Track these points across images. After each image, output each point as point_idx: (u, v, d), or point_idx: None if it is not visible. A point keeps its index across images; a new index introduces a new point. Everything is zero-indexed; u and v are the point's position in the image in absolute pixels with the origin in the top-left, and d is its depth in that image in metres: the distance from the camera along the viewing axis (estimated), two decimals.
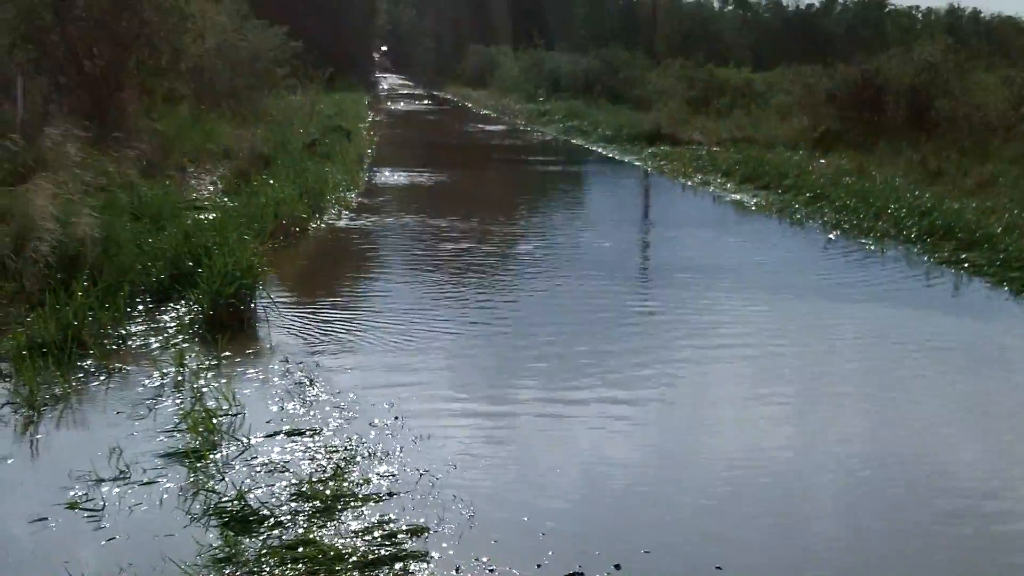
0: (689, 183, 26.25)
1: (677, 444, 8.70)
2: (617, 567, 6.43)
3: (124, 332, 10.67)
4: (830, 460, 8.39)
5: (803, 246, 18.06)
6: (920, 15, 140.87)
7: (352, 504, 7.11)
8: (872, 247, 17.58)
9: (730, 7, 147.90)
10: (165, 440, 8.07)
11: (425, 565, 6.36)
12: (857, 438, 8.93)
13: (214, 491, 7.19)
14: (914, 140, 27.11)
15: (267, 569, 6.21)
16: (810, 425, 9.24)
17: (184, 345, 10.43)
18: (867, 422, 9.37)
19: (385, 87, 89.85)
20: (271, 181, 19.35)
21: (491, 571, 6.32)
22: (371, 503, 7.14)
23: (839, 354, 11.59)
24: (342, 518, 6.90)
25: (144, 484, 7.31)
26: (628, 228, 20.23)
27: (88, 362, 9.75)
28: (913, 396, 10.13)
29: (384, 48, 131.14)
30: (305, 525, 6.76)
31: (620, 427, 8.89)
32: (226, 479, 7.39)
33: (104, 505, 6.98)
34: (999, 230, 17.06)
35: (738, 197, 23.40)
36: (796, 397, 9.96)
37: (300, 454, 7.94)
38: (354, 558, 6.38)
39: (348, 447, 8.10)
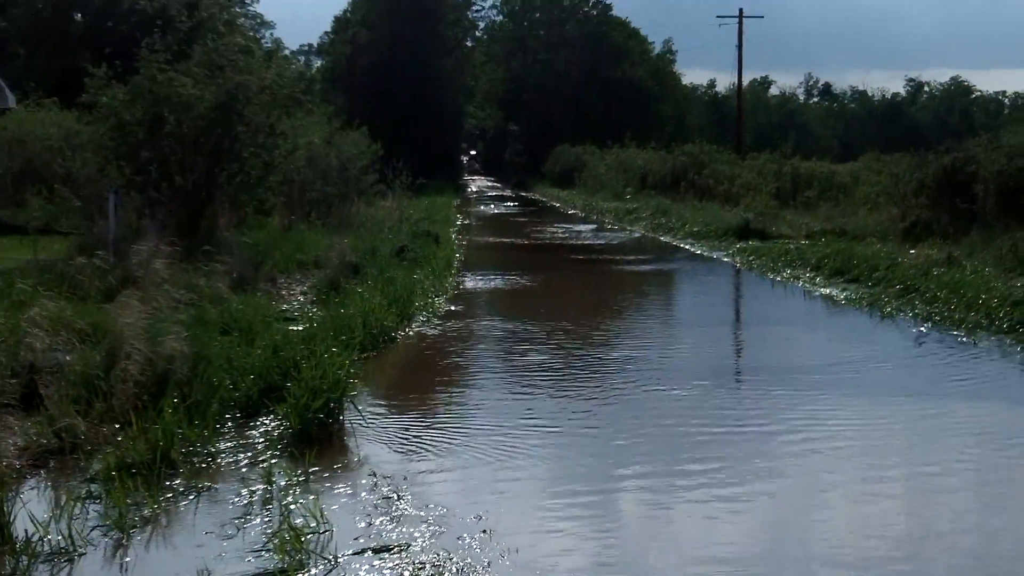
0: (778, 278, 26.10)
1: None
2: None
3: (213, 449, 10.70)
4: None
5: (895, 341, 17.80)
6: (1007, 101, 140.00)
7: None
8: (964, 339, 17.30)
9: (816, 99, 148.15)
10: (253, 561, 8.05)
11: None
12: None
13: None
14: (1005, 228, 26.69)
15: None
16: (920, 530, 9.06)
17: (273, 461, 10.44)
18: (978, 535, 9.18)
19: (474, 189, 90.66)
20: (360, 290, 19.48)
21: None
22: None
23: (936, 457, 11.36)
24: None
25: None
26: (719, 329, 20.08)
27: (177, 481, 9.78)
28: (1013, 495, 9.94)
29: (472, 152, 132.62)
30: None
31: (720, 550, 8.68)
32: None
33: None
34: None
35: (828, 291, 23.21)
36: (901, 503, 9.79)
37: (388, 571, 7.88)
38: None
39: (436, 563, 8.04)
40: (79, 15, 55.47)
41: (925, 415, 12.90)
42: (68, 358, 12.25)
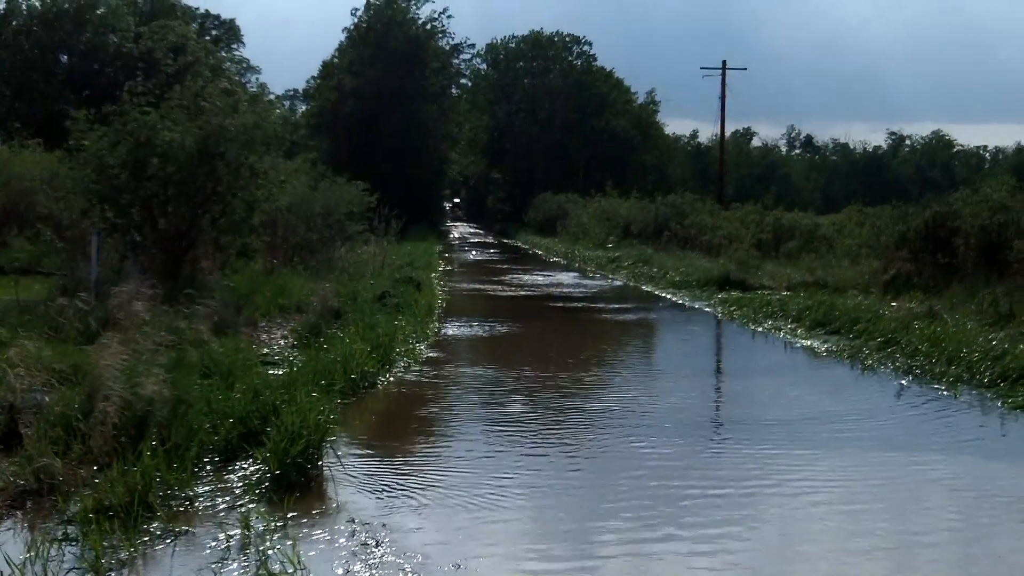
0: (759, 329, 26.14)
1: None
2: None
3: (191, 493, 10.66)
4: None
5: (876, 394, 17.80)
6: (988, 155, 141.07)
7: None
8: (945, 392, 17.33)
9: (797, 151, 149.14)
10: None
11: None
12: None
13: None
14: (986, 282, 26.81)
15: None
16: None
17: (251, 506, 10.40)
18: None
19: (456, 236, 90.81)
20: (341, 335, 19.46)
21: None
22: None
23: (917, 514, 11.36)
24: None
25: None
26: (700, 381, 20.00)
27: (154, 524, 9.73)
28: (993, 554, 9.94)
29: (456, 200, 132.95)
30: None
31: None
32: None
33: None
34: None
35: (808, 343, 23.24)
36: (883, 562, 9.78)
37: None
38: None
39: None
40: (65, 57, 55.68)
41: (907, 470, 12.85)
42: (47, 399, 12.22)
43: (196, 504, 10.49)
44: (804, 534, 10.45)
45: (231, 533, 9.57)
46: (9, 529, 9.64)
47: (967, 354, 18.88)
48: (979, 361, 18.38)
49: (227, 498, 10.71)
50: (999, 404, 16.40)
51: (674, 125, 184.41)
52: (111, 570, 8.65)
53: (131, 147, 22.14)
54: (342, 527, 10.01)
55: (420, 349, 21.30)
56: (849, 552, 9.81)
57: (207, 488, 10.98)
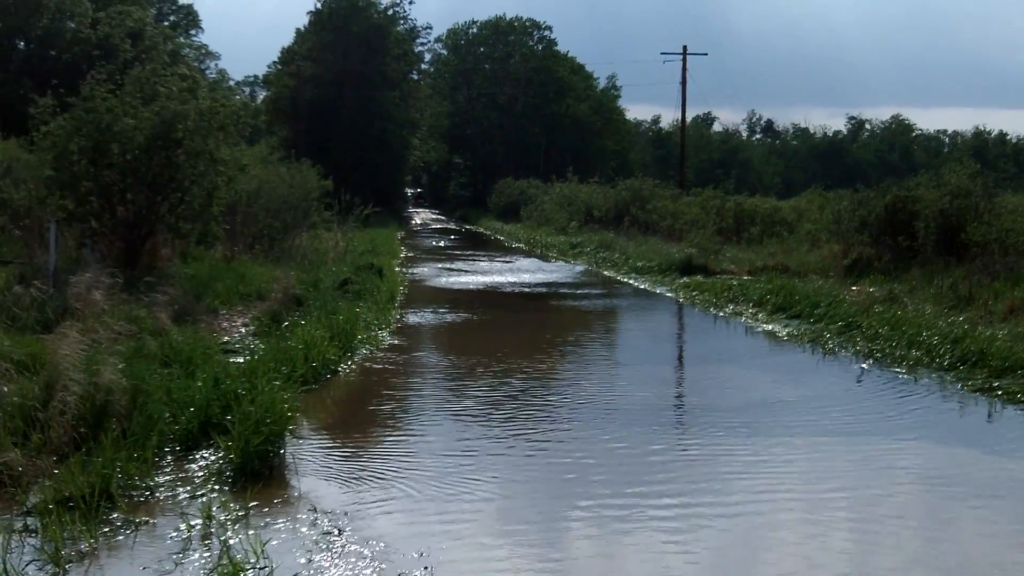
0: (721, 314, 26.21)
1: None
2: None
3: (152, 483, 10.59)
4: None
5: (837, 378, 17.88)
6: (947, 139, 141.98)
7: None
8: (906, 376, 17.42)
9: (758, 136, 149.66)
10: None
11: None
12: None
13: None
14: (945, 265, 27.00)
15: None
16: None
17: (212, 496, 10.34)
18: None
19: (418, 222, 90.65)
20: (302, 322, 19.38)
21: None
22: None
23: (878, 498, 11.38)
24: None
25: None
26: (662, 368, 19.93)
27: (115, 515, 9.65)
28: (957, 537, 9.98)
29: (420, 189, 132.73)
30: None
31: None
32: None
33: None
34: None
35: (770, 327, 23.32)
36: (846, 547, 9.80)
37: None
38: None
39: None
40: (21, 43, 55.11)
41: (870, 457, 12.85)
42: (5, 389, 12.08)
43: (157, 494, 10.42)
44: (769, 522, 10.45)
45: (193, 523, 9.51)
46: None
47: (927, 337, 19.01)
48: (939, 344, 18.50)
49: (188, 488, 10.64)
50: (959, 387, 16.51)
51: (635, 110, 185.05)
52: (71, 561, 8.57)
53: (91, 133, 21.94)
54: (304, 516, 9.97)
55: (382, 336, 21.24)
56: (813, 539, 9.82)
57: (168, 478, 10.91)
